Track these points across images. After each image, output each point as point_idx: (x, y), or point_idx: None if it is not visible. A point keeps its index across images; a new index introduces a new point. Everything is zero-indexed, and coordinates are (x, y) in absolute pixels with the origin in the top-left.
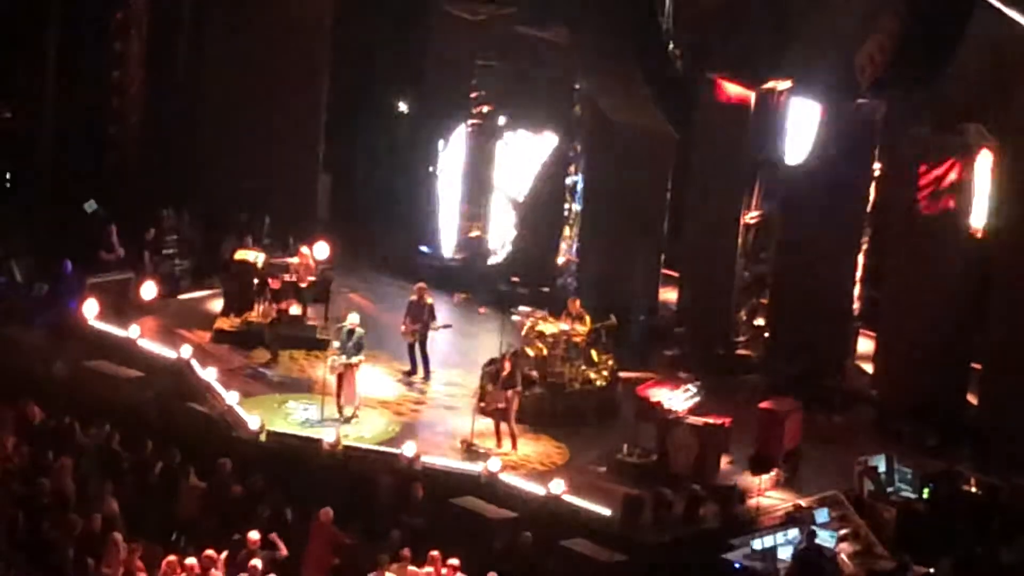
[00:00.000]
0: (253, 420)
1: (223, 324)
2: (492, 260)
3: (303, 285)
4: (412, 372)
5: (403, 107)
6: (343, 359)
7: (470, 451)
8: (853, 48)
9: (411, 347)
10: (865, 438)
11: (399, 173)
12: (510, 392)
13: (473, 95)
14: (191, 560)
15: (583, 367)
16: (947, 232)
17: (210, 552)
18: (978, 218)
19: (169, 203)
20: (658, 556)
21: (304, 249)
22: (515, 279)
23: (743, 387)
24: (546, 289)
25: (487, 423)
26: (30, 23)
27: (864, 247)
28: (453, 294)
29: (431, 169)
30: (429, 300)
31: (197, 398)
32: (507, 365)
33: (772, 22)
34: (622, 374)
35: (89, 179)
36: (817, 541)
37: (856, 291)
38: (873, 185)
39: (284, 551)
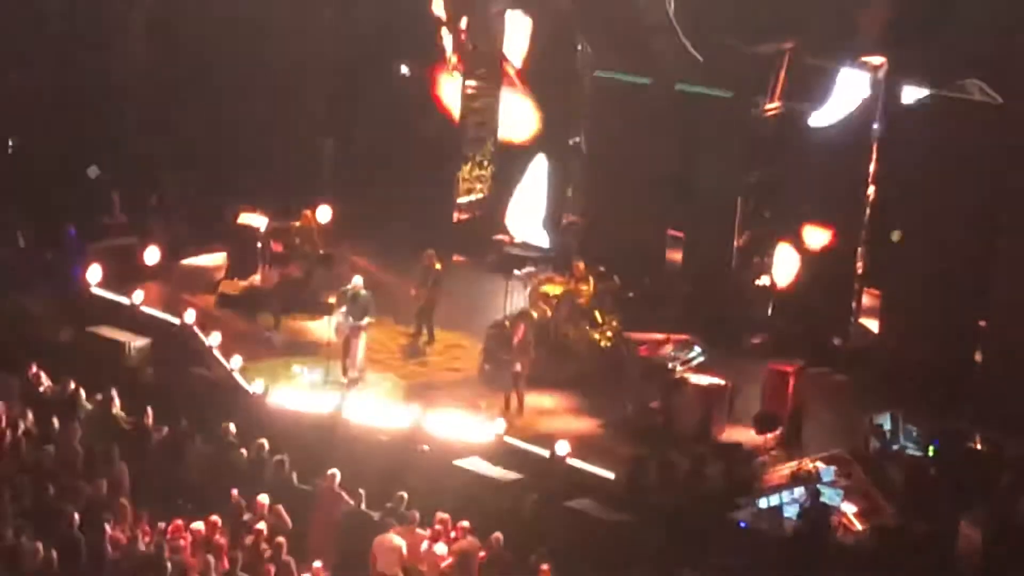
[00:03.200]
0: (258, 384)
1: (227, 288)
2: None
3: (306, 249)
4: (417, 335)
5: (405, 69)
6: (350, 321)
7: (475, 413)
8: (856, 6)
9: (419, 311)
10: (871, 396)
11: (401, 136)
12: (522, 358)
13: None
14: (197, 524)
15: (588, 328)
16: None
17: (215, 518)
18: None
19: (172, 168)
20: (664, 516)
21: (307, 213)
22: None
23: (748, 347)
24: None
25: (492, 385)
26: None
27: (869, 204)
28: (452, 256)
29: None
30: (437, 266)
31: (201, 362)
32: (519, 331)
33: None
34: (627, 335)
35: (92, 145)
36: (823, 500)
37: (860, 250)
38: (875, 143)
39: (288, 524)
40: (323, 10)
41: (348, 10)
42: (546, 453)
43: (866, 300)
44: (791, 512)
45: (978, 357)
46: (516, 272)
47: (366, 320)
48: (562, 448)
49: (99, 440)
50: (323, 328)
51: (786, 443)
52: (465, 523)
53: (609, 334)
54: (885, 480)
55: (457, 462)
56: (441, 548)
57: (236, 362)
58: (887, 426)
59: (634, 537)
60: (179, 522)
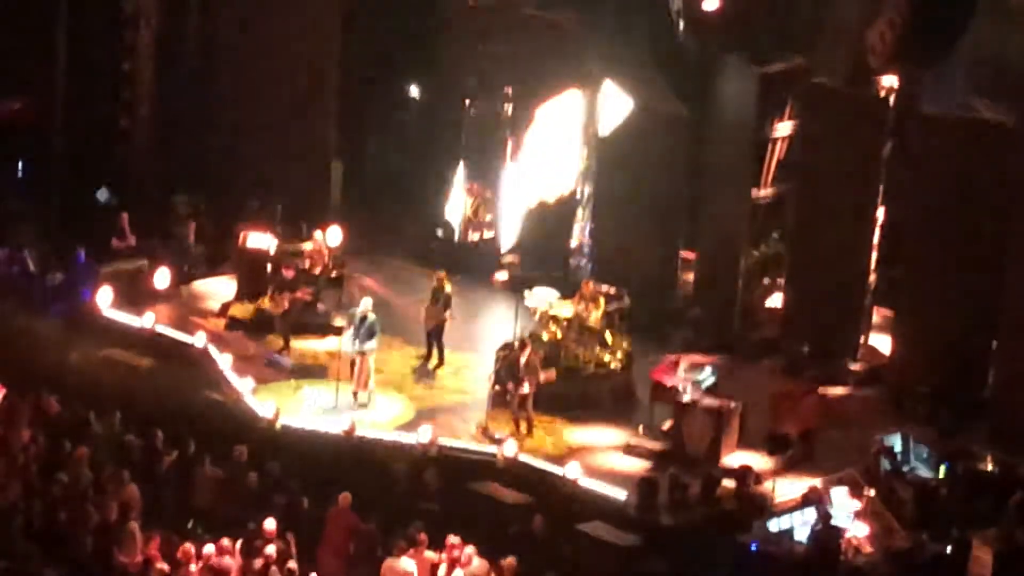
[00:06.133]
0: (268, 407)
1: (236, 311)
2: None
3: (316, 272)
4: (427, 357)
5: (414, 92)
6: (356, 345)
7: (486, 436)
8: (863, 26)
9: (429, 333)
10: (881, 417)
11: (411, 158)
12: (530, 379)
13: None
14: (208, 548)
15: (598, 350)
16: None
17: (225, 541)
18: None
19: (181, 191)
20: (674, 538)
21: (317, 235)
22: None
23: (758, 368)
24: (556, 273)
25: (502, 407)
26: (40, 15)
27: (879, 226)
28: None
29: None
30: (447, 287)
31: (212, 386)
32: (526, 352)
33: (781, 1)
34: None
35: (101, 169)
36: (833, 522)
37: (871, 270)
38: (885, 163)
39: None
40: (333, 32)
41: (358, 32)
42: (557, 475)
43: (877, 319)
44: (802, 534)
45: (989, 377)
46: (526, 293)
47: (369, 346)
48: (573, 470)
49: (109, 463)
50: (333, 350)
51: (797, 464)
52: (471, 549)
53: (619, 355)
54: (896, 501)
55: (468, 485)
56: (459, 574)
57: (247, 385)
58: (897, 447)
59: (645, 560)
60: (189, 546)
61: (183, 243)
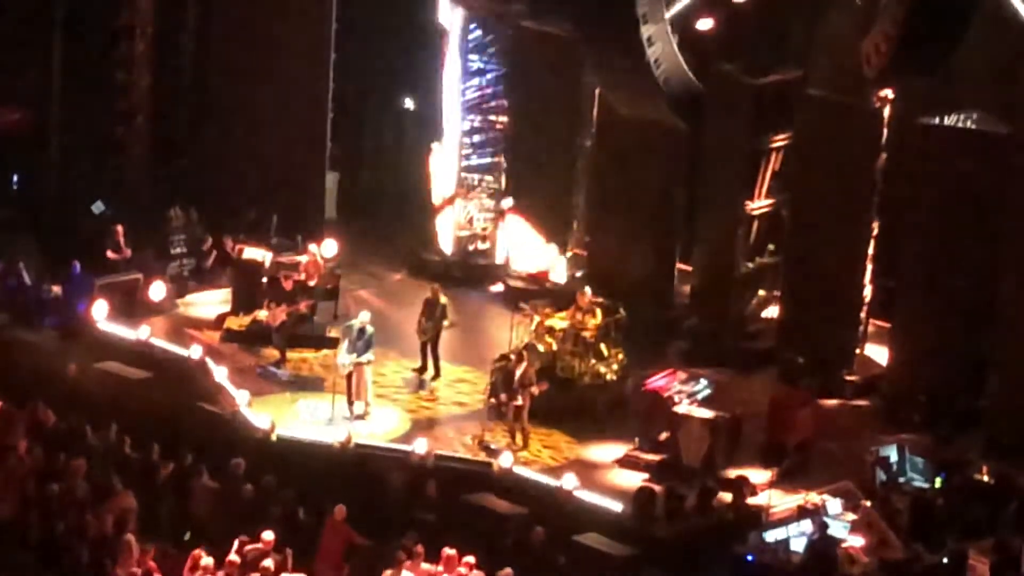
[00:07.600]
0: (264, 419)
1: (232, 323)
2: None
3: (311, 283)
4: (423, 369)
5: (410, 104)
6: (353, 357)
7: (482, 447)
8: (858, 37)
9: (423, 345)
10: (876, 428)
11: (406, 170)
12: (524, 392)
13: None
14: (207, 560)
15: (593, 361)
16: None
17: (232, 558)
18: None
19: (176, 203)
20: (670, 549)
21: (312, 247)
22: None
23: (754, 379)
24: (548, 284)
25: (498, 419)
26: (36, 25)
27: (874, 237)
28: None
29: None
30: (443, 299)
31: (208, 398)
32: (522, 363)
33: (776, 12)
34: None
35: (96, 180)
36: (829, 533)
37: (867, 281)
38: (881, 174)
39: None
40: (328, 44)
41: (353, 45)
42: (553, 486)
43: (873, 330)
44: (798, 545)
45: (985, 387)
46: (522, 305)
47: (365, 357)
48: (569, 481)
49: (105, 475)
50: (329, 362)
51: (792, 475)
52: (470, 558)
53: (615, 367)
54: (892, 512)
55: (464, 496)
56: None
57: (243, 397)
58: (893, 458)
59: (641, 571)
60: (197, 552)
61: (178, 255)
